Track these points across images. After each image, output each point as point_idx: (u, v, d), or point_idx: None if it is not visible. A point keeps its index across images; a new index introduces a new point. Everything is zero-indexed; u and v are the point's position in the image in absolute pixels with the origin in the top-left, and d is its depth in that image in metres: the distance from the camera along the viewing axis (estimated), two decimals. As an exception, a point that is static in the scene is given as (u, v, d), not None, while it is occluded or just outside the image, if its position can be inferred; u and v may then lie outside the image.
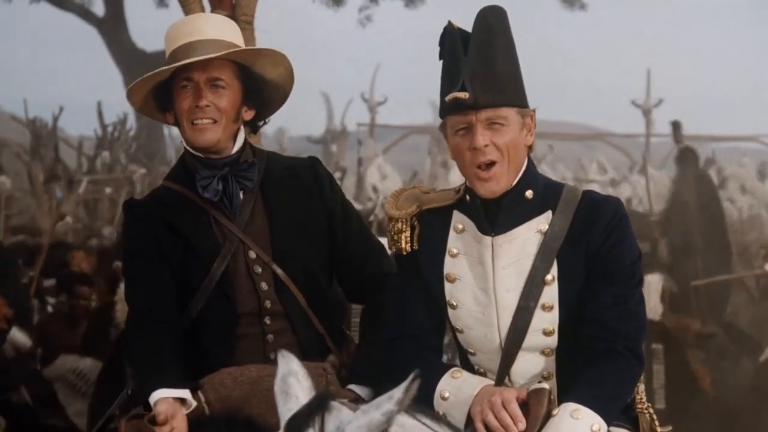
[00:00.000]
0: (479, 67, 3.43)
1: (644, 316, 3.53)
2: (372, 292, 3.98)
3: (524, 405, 3.36)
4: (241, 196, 3.93)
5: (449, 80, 3.46)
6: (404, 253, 3.63)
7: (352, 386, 3.81)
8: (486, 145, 3.44)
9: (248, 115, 3.96)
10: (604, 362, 3.41)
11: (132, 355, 3.88)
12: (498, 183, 3.48)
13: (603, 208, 3.51)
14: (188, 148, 3.95)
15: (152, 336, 3.77)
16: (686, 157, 11.30)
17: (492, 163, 3.46)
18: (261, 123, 4.06)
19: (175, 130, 4.05)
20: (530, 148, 3.55)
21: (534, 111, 3.53)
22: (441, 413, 3.48)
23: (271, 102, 4.02)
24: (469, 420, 3.42)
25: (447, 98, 3.45)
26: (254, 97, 3.95)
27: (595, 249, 3.48)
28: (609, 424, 3.35)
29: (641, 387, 3.60)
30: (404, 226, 3.63)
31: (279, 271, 3.89)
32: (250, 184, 3.92)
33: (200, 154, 3.91)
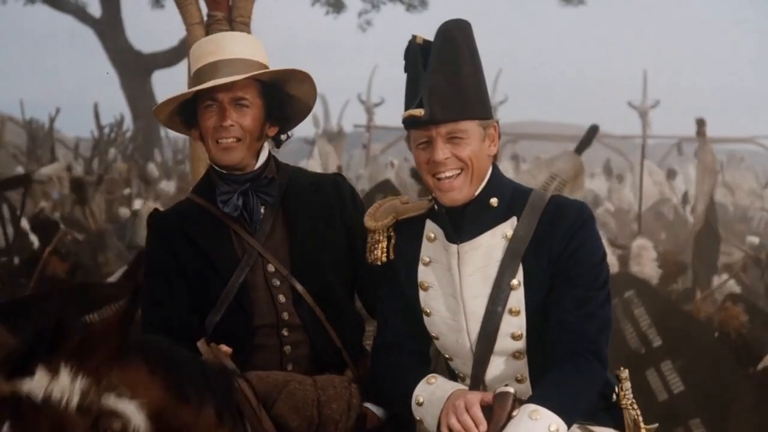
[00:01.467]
0: (439, 82, 3.46)
1: (608, 317, 3.54)
2: None
3: (489, 408, 3.39)
4: (262, 210, 3.97)
5: (410, 96, 3.51)
6: (379, 263, 3.71)
7: (367, 404, 3.83)
8: (447, 158, 3.49)
9: (272, 131, 4.01)
10: (564, 364, 3.43)
11: None
12: (460, 192, 3.53)
13: (565, 211, 3.54)
14: (210, 161, 3.99)
15: None
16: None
17: (456, 174, 3.51)
18: (284, 138, 4.09)
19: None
20: (495, 157, 3.59)
21: (497, 122, 3.57)
22: (418, 419, 3.54)
23: (293, 117, 4.05)
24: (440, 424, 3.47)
25: (403, 115, 3.51)
26: (277, 114, 3.99)
27: (558, 253, 3.51)
28: (569, 425, 3.37)
29: (626, 384, 3.61)
30: (381, 237, 3.71)
31: (297, 284, 3.92)
32: (270, 200, 3.96)
33: (223, 171, 3.95)
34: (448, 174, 3.50)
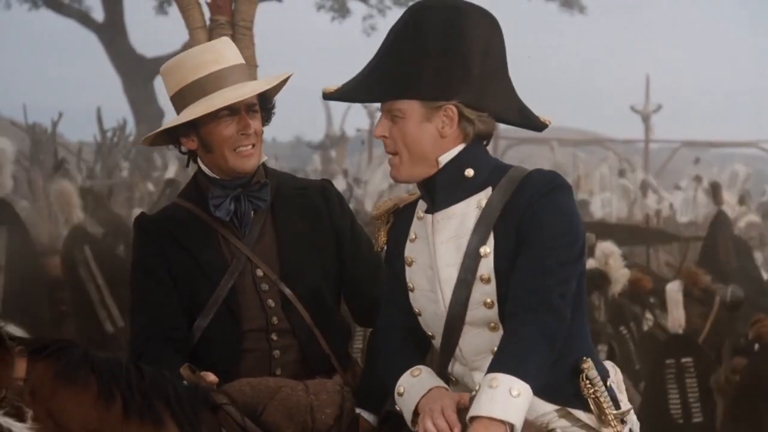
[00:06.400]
0: (383, 61, 3.53)
1: (569, 275, 3.47)
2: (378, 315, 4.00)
3: (465, 411, 3.37)
4: (252, 215, 3.98)
5: None
6: (380, 249, 3.75)
7: (359, 410, 3.84)
8: (384, 137, 3.55)
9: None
10: (515, 324, 3.41)
11: None
12: (398, 171, 3.57)
13: (535, 178, 3.53)
14: (204, 168, 3.98)
15: (161, 354, 3.80)
16: (721, 221, 11.39)
17: (394, 153, 3.56)
18: None
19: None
20: (464, 137, 3.54)
21: (454, 105, 3.52)
22: (398, 408, 3.55)
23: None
24: (415, 417, 3.48)
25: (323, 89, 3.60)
26: (265, 116, 4.03)
27: (521, 218, 3.49)
28: (533, 384, 3.33)
29: (590, 373, 3.52)
30: (382, 224, 3.74)
31: (286, 289, 3.93)
32: (262, 204, 3.98)
33: (216, 176, 3.96)
34: (389, 151, 3.56)
